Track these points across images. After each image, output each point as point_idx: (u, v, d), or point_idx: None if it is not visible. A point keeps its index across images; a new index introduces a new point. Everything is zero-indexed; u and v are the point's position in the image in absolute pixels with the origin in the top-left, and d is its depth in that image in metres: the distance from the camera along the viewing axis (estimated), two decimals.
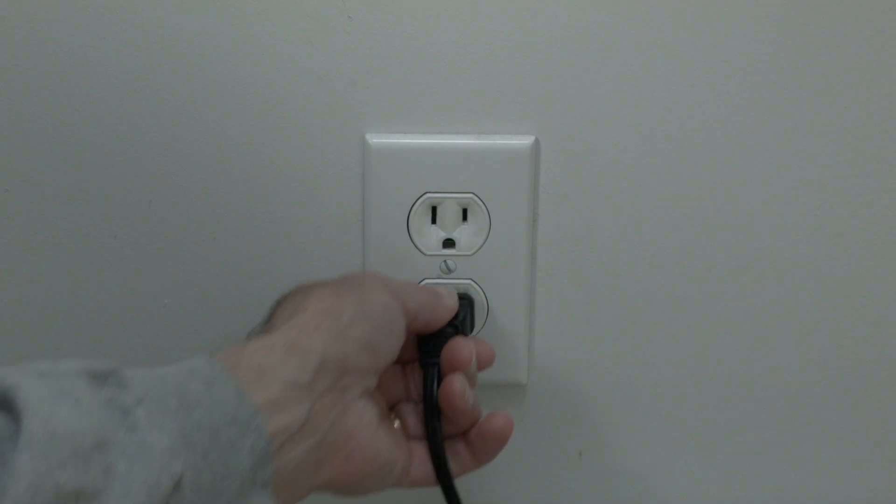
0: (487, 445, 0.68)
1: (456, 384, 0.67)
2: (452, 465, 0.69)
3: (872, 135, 0.73)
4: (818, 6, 0.71)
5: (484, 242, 0.74)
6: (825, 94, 0.73)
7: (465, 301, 0.74)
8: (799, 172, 0.74)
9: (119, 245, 0.75)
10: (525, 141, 0.73)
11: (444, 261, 0.75)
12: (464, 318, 0.72)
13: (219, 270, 0.76)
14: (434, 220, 0.74)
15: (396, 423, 0.69)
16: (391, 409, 0.70)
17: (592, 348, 0.78)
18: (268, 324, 0.64)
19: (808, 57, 0.72)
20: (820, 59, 0.72)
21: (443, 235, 0.74)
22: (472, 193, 0.74)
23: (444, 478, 0.69)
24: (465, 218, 0.74)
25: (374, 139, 0.73)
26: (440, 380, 0.68)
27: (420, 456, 0.68)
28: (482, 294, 0.75)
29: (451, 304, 0.70)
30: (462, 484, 0.70)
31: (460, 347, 0.68)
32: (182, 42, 0.72)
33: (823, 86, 0.73)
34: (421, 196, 0.74)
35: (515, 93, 0.73)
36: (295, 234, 0.75)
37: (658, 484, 0.80)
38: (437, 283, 0.74)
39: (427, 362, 0.69)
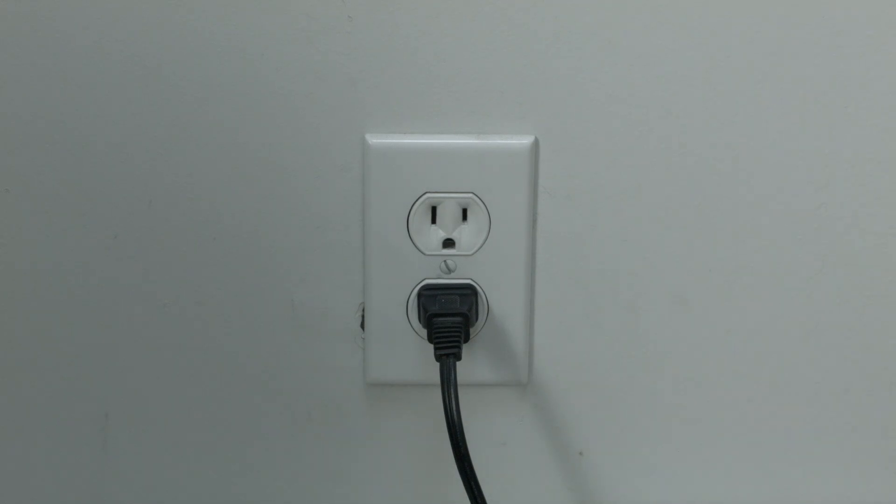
0: None
1: None
2: None
3: (872, 135, 0.73)
4: (818, 6, 0.71)
5: (484, 242, 0.74)
6: (825, 94, 0.73)
7: (470, 290, 0.74)
8: (799, 172, 0.74)
9: (119, 245, 0.75)
10: (525, 141, 0.73)
11: (444, 261, 0.75)
12: (470, 307, 0.73)
13: (219, 270, 0.76)
14: (434, 220, 0.74)
15: None
16: None
17: (592, 348, 0.78)
18: None
19: (809, 56, 0.72)
20: (820, 58, 0.72)
21: (443, 235, 0.74)
22: (472, 193, 0.74)
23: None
24: (465, 218, 0.74)
25: (374, 139, 0.73)
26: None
27: None
28: (482, 294, 0.75)
29: None
30: (461, 483, 0.70)
31: None
32: (182, 42, 0.72)
33: (823, 86, 0.73)
34: (421, 196, 0.74)
35: (515, 93, 0.73)
36: (295, 234, 0.75)
37: (658, 484, 0.80)
38: (437, 283, 0.75)
39: (443, 353, 0.69)
